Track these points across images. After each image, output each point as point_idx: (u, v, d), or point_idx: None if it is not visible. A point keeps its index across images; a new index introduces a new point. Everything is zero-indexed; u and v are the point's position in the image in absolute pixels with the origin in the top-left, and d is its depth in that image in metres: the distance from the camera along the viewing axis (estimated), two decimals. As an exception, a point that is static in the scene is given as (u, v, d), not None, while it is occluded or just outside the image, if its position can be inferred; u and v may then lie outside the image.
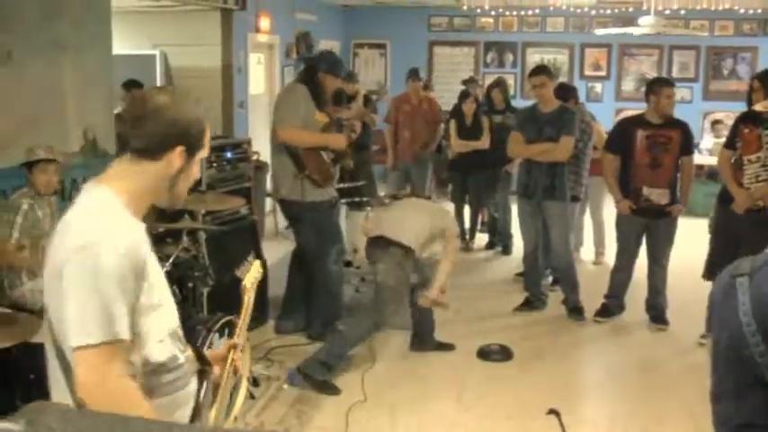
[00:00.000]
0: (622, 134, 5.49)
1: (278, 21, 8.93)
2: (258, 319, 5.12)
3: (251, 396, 4.14)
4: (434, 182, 8.35)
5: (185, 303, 4.14)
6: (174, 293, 2.98)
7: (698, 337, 5.11)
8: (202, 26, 7.67)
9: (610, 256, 6.41)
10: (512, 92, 9.97)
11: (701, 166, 9.05)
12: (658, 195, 5.34)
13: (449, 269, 4.72)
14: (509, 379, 4.70)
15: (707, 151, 9.79)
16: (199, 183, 4.87)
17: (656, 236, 5.45)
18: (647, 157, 5.31)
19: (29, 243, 3.96)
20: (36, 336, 3.22)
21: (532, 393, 4.44)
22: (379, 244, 4.63)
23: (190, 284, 4.23)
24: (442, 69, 11.87)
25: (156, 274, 1.82)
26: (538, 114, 5.63)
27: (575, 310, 5.74)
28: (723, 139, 5.62)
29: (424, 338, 5.06)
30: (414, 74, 7.88)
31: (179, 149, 1.80)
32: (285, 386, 4.43)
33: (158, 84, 7.39)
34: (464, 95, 7.59)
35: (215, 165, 5.77)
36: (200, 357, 1.99)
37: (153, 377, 1.79)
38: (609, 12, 10.77)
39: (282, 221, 6.80)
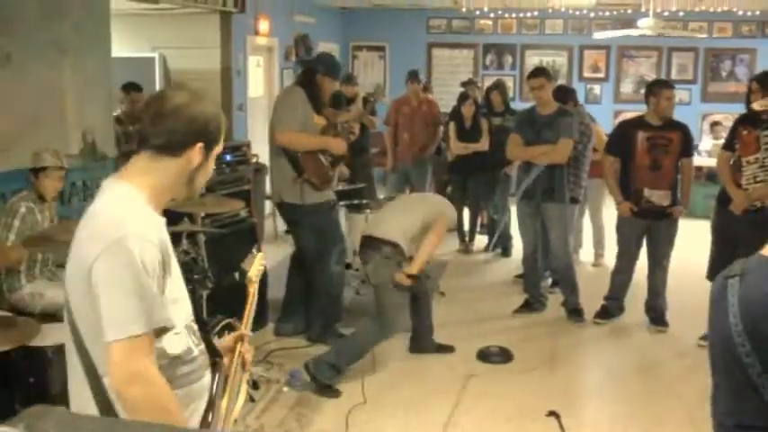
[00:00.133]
0: (622, 136, 5.49)
1: (277, 23, 8.93)
2: (258, 321, 5.11)
3: (251, 399, 4.13)
4: (434, 184, 8.34)
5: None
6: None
7: (697, 338, 5.11)
8: (201, 29, 7.67)
9: (609, 258, 6.42)
10: (511, 94, 9.95)
11: (700, 168, 9.05)
12: (659, 197, 5.34)
13: (430, 249, 4.67)
14: (509, 381, 4.70)
15: (706, 153, 9.80)
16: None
17: (656, 237, 5.45)
18: (647, 159, 5.32)
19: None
20: (35, 339, 3.22)
21: (532, 395, 4.44)
22: (370, 244, 4.65)
23: (189, 287, 4.20)
24: (441, 71, 11.85)
25: (176, 269, 1.88)
26: (536, 116, 5.63)
27: (574, 312, 5.74)
28: (722, 141, 5.63)
29: (423, 340, 5.06)
30: (413, 76, 7.86)
31: (198, 146, 1.87)
32: (285, 389, 4.43)
33: (157, 87, 7.39)
34: (463, 97, 7.59)
35: (214, 167, 5.74)
36: (212, 349, 2.01)
37: (168, 369, 1.82)
38: (608, 14, 10.77)
39: (282, 224, 6.80)
